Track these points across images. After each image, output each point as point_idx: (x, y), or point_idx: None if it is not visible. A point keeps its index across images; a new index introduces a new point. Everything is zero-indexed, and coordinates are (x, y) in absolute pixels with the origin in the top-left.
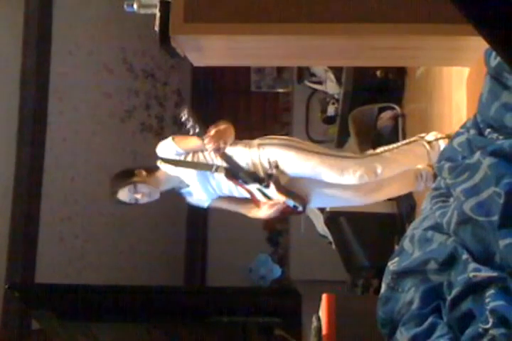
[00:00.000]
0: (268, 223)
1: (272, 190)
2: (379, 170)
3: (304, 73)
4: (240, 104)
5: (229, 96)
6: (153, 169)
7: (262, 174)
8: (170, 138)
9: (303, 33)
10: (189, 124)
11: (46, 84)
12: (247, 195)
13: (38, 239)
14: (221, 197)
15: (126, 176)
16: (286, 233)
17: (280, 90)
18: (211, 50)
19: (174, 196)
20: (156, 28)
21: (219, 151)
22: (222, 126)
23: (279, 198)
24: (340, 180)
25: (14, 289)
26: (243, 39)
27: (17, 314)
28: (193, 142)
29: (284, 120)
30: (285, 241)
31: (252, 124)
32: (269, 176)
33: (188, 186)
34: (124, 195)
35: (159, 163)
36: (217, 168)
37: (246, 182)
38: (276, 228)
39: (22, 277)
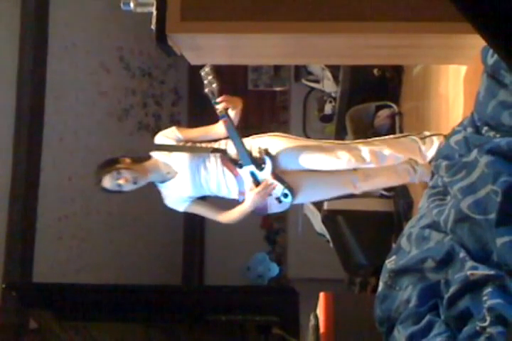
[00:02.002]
0: (265, 221)
1: (265, 173)
2: (366, 156)
3: (301, 71)
4: None
5: (226, 94)
6: (141, 159)
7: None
8: (173, 127)
9: (301, 31)
10: (206, 80)
11: (43, 83)
12: (234, 191)
13: (36, 238)
14: (201, 200)
15: (109, 163)
16: (284, 231)
17: (277, 89)
18: (208, 48)
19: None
20: (153, 27)
21: (225, 117)
22: (235, 97)
23: (270, 181)
24: (328, 164)
25: (11, 288)
26: (241, 38)
27: (14, 313)
28: (196, 132)
29: (282, 118)
30: (283, 240)
31: (249, 123)
32: (267, 154)
33: (173, 177)
34: (107, 182)
35: (153, 152)
36: (214, 150)
37: (241, 166)
38: (274, 227)
39: (19, 276)
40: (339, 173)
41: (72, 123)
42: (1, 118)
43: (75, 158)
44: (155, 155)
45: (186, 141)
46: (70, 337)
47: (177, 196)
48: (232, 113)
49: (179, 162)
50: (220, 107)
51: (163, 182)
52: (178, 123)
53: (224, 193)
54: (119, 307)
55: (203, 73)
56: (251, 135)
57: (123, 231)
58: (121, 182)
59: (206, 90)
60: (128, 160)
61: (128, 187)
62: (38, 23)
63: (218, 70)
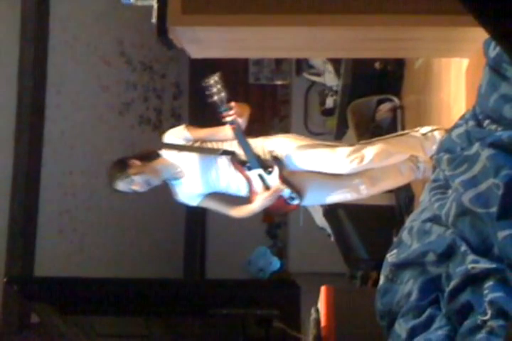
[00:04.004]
0: (267, 216)
1: (273, 177)
2: (369, 157)
3: (302, 65)
4: (238, 96)
5: (227, 88)
6: (149, 157)
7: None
8: (182, 126)
9: (302, 24)
10: (215, 88)
11: (44, 77)
12: (243, 190)
13: (37, 232)
14: (213, 195)
15: (121, 168)
16: (285, 225)
17: (279, 82)
18: (209, 41)
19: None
20: (154, 20)
21: (234, 123)
22: (243, 103)
23: (278, 186)
24: (332, 167)
25: (13, 282)
26: (241, 31)
27: (16, 307)
28: (204, 132)
29: (283, 112)
30: (284, 234)
31: (250, 116)
32: (275, 160)
33: (184, 176)
34: (122, 186)
35: (162, 150)
36: (224, 152)
37: (250, 168)
38: (275, 221)
39: (21, 270)
40: (345, 179)
41: (73, 118)
42: (2, 112)
43: (76, 152)
44: (164, 154)
45: (195, 141)
46: (71, 330)
47: (189, 193)
48: (240, 120)
49: (189, 162)
50: (229, 118)
51: (174, 179)
52: (179, 117)
53: (233, 191)
54: (120, 301)
55: (212, 81)
56: (254, 128)
57: (124, 226)
58: (134, 187)
59: (215, 98)
60: (137, 163)
61: (142, 189)
62: (38, 17)
63: (217, 63)
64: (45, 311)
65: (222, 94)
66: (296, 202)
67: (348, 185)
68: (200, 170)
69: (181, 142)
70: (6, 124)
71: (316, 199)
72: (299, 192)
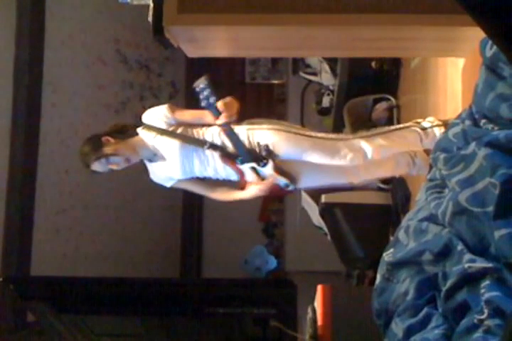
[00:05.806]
0: (263, 214)
1: (267, 169)
2: (369, 154)
3: (298, 64)
4: (234, 95)
5: (224, 87)
6: (124, 133)
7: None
8: (165, 106)
9: (299, 23)
10: (205, 93)
11: (40, 76)
12: (233, 177)
13: (33, 231)
14: (191, 179)
15: (95, 147)
16: (282, 224)
17: (275, 81)
18: (205, 41)
19: (170, 188)
20: (150, 19)
21: (225, 126)
22: (229, 100)
23: (273, 177)
24: (331, 162)
25: (9, 282)
26: (238, 30)
27: (12, 306)
28: (190, 114)
29: (279, 111)
30: (280, 233)
31: (247, 115)
32: (269, 154)
33: (161, 159)
34: (98, 166)
35: (140, 130)
36: (211, 146)
37: (242, 161)
38: (272, 219)
39: (17, 270)
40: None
41: (69, 117)
42: None
43: (72, 151)
44: (142, 134)
45: (178, 125)
46: (67, 329)
47: (164, 176)
48: (231, 119)
49: (169, 148)
50: (220, 121)
51: (150, 161)
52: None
53: (222, 177)
54: (116, 300)
55: (202, 85)
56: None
57: (121, 225)
58: (112, 167)
59: (205, 104)
60: (112, 140)
61: (120, 167)
62: (34, 16)
63: (214, 62)
64: (41, 310)
65: (212, 100)
66: (291, 188)
67: (343, 168)
68: (180, 158)
69: (162, 124)
70: (2, 123)
71: (311, 182)
72: (293, 179)
